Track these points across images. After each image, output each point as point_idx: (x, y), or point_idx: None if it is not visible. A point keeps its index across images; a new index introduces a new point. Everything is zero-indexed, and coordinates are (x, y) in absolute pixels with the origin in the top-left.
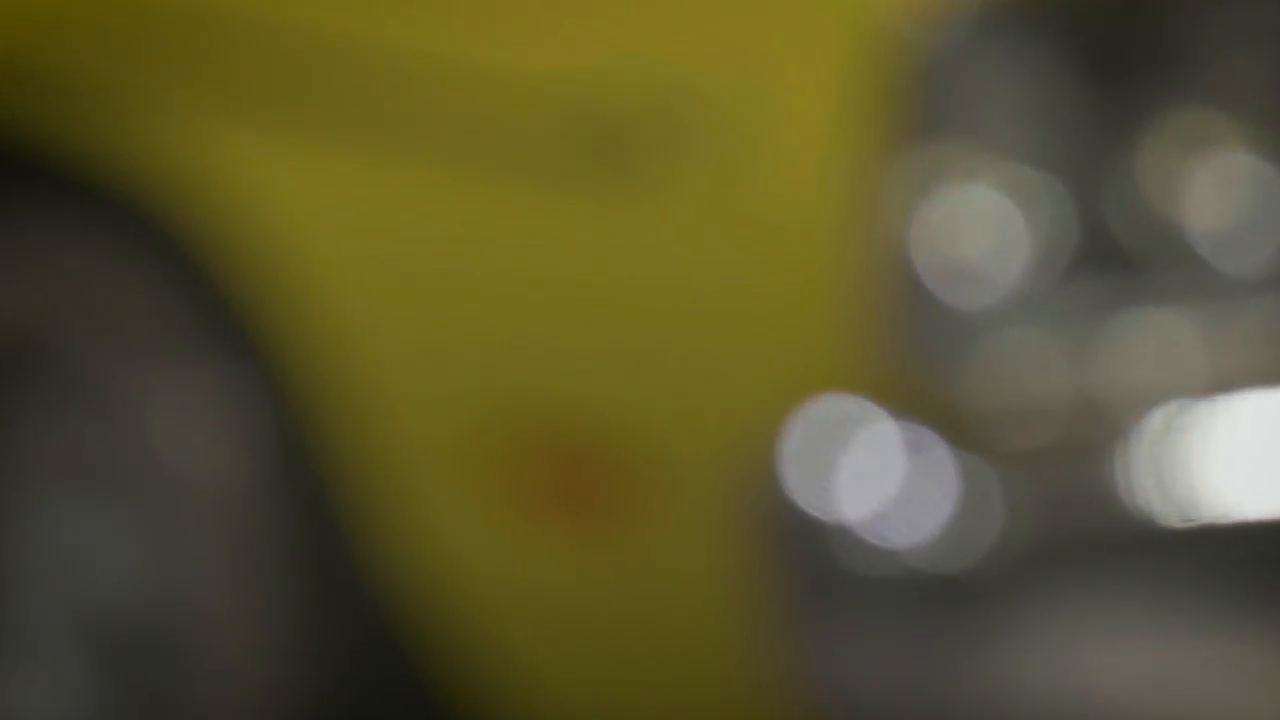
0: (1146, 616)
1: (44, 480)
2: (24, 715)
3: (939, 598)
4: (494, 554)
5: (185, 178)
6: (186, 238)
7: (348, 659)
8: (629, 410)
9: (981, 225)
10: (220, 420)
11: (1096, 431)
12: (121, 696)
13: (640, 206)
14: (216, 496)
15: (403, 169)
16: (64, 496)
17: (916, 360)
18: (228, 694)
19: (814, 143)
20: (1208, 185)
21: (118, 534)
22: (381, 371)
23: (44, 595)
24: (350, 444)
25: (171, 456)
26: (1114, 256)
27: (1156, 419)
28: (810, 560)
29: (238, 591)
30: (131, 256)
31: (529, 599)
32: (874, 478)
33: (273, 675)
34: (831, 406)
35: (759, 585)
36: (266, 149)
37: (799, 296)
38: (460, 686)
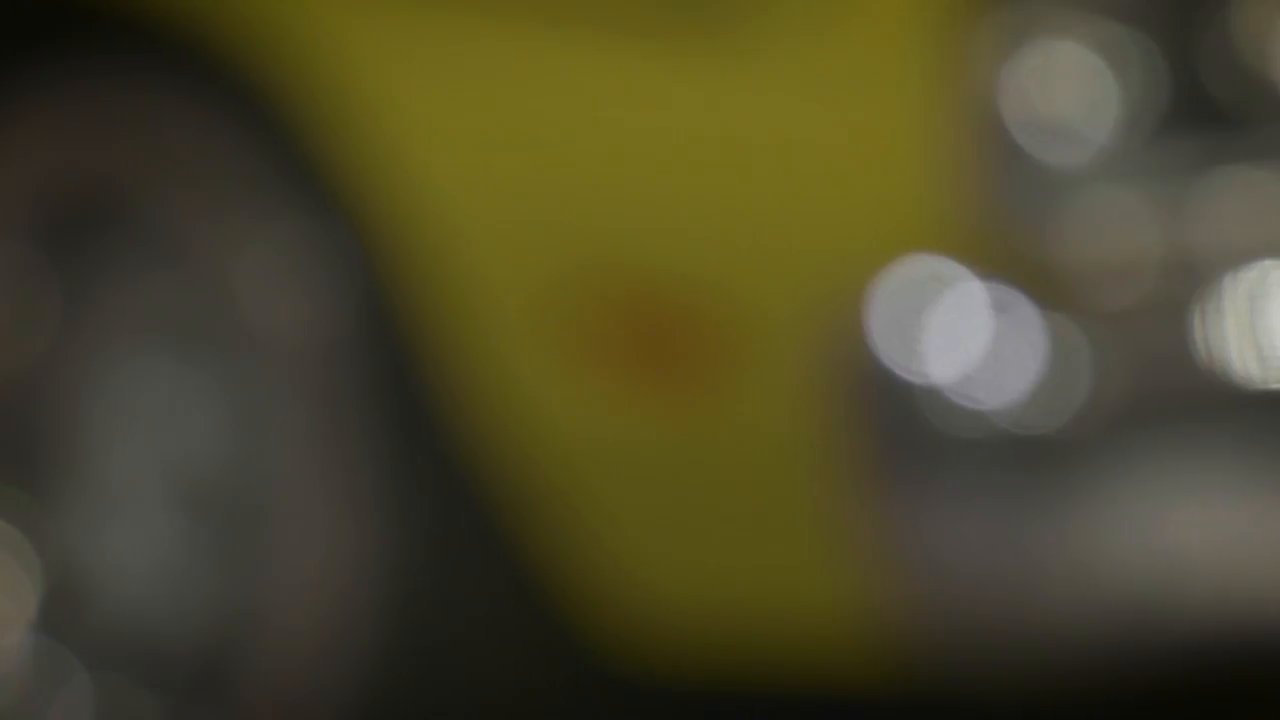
0: (1237, 476)
1: (130, 336)
2: (112, 567)
3: (1027, 459)
4: (577, 411)
5: (269, 31)
6: (270, 92)
7: (429, 519)
8: (713, 269)
9: (1072, 81)
10: (303, 277)
11: (1187, 291)
12: (206, 551)
13: (728, 61)
14: (300, 354)
15: (488, 20)
16: (149, 353)
17: (1005, 219)
18: (310, 550)
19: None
20: None
21: (202, 391)
22: (464, 227)
23: (131, 451)
24: (434, 301)
25: (255, 313)
26: (1206, 114)
27: (1247, 278)
28: (897, 420)
29: (321, 449)
30: (216, 112)
31: (612, 456)
32: (962, 338)
33: (354, 533)
34: (919, 266)
35: (845, 446)
36: (350, 2)
37: (885, 153)
38: (542, 544)
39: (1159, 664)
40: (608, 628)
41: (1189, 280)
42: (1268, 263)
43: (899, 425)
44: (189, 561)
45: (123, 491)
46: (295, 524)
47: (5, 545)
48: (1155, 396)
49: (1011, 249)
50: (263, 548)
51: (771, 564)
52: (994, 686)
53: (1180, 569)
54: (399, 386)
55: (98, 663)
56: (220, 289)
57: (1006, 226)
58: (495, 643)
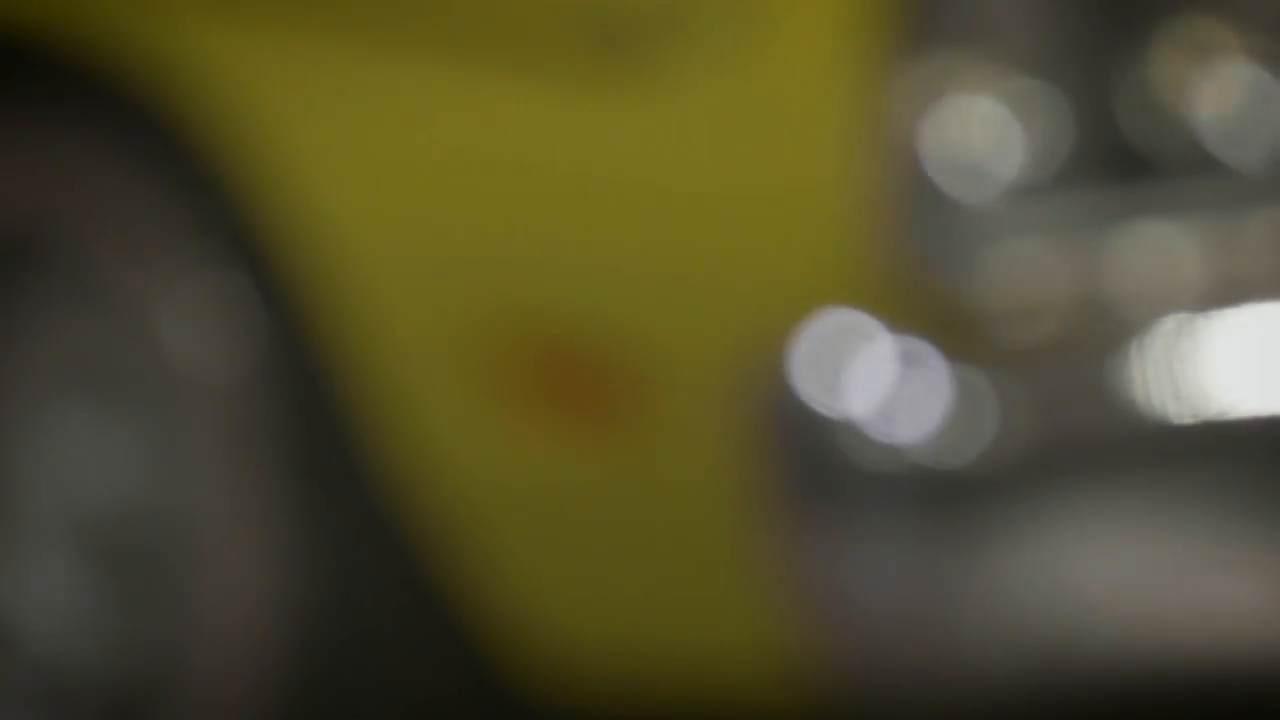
0: (1146, 517)
1: (43, 380)
2: (20, 615)
3: (938, 495)
4: (492, 454)
5: (183, 77)
6: (188, 137)
7: (344, 560)
8: (628, 313)
9: (987, 130)
10: (220, 320)
11: (1097, 333)
12: (117, 598)
13: (643, 104)
14: (218, 396)
15: (401, 62)
16: (62, 397)
17: (920, 266)
18: (223, 597)
19: (820, 45)
20: (1213, 91)
21: (116, 435)
22: (379, 269)
23: (46, 494)
24: (350, 343)
25: (172, 356)
26: (1121, 164)
27: (1158, 324)
28: (810, 457)
29: (235, 492)
30: (136, 157)
31: (526, 500)
32: (874, 384)
33: (268, 576)
34: (833, 317)
35: (759, 486)
36: (265, 44)
37: (803, 198)
38: (457, 586)
39: (1069, 701)
40: (526, 664)
41: (1099, 324)
42: (1178, 310)
43: (811, 462)
44: (99, 608)
45: (38, 535)
46: (209, 569)
47: None
48: (1064, 437)
49: (924, 297)
50: (174, 593)
51: (686, 600)
52: None
53: (1088, 609)
54: (315, 431)
55: (17, 708)
56: (137, 332)
57: (921, 274)
58: (412, 679)
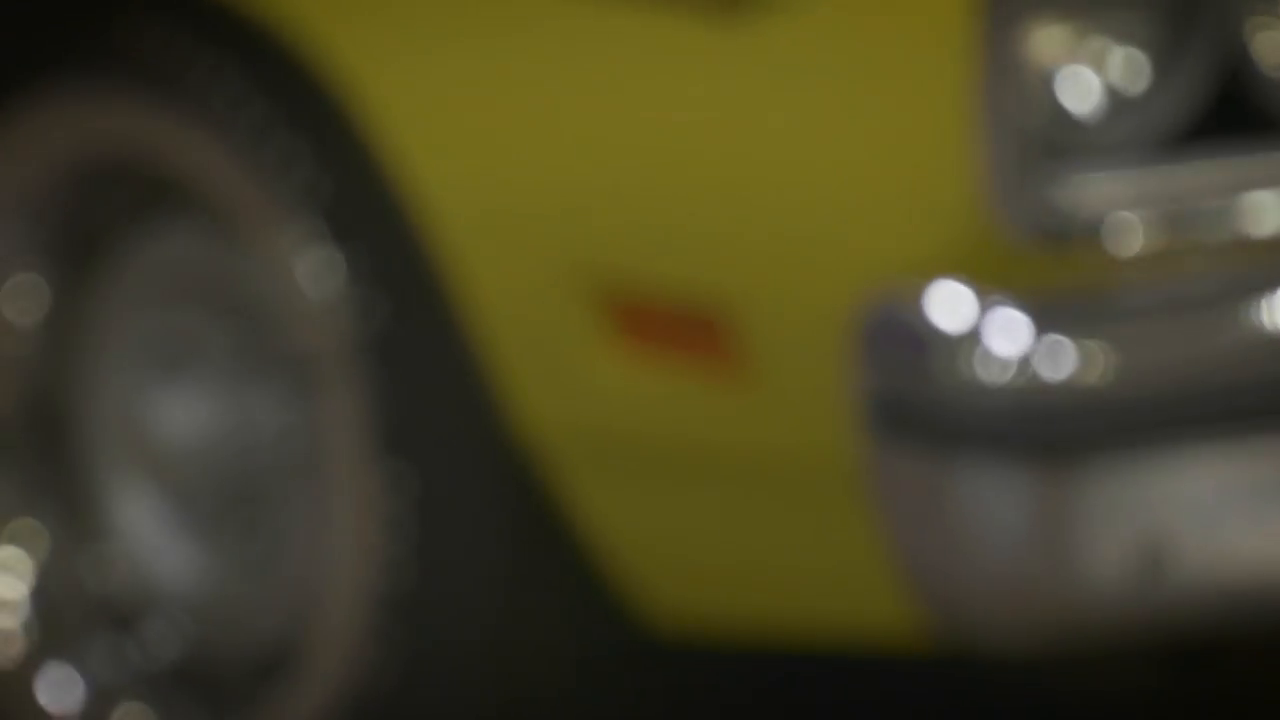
0: (1247, 462)
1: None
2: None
3: (1042, 439)
4: (598, 395)
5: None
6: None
7: (457, 512)
8: (729, 267)
9: (1102, 96)
10: (330, 273)
11: (1208, 294)
12: (244, 555)
13: (752, 50)
14: (324, 350)
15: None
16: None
17: (1029, 229)
18: (344, 555)
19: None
20: None
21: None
22: (479, 214)
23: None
24: (450, 295)
25: (281, 309)
26: (1238, 131)
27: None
28: (915, 408)
29: (351, 441)
30: (262, 105)
31: (632, 441)
32: (976, 345)
33: (382, 537)
34: (939, 277)
35: (864, 435)
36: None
37: (910, 156)
38: (567, 531)
39: (1184, 635)
40: (638, 605)
41: (1208, 285)
42: None
43: (916, 413)
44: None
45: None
46: (337, 515)
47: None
48: (1172, 401)
49: (1034, 260)
50: (304, 548)
51: (798, 544)
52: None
53: (1194, 544)
54: (433, 372)
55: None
56: (269, 275)
57: (1031, 237)
58: (527, 625)
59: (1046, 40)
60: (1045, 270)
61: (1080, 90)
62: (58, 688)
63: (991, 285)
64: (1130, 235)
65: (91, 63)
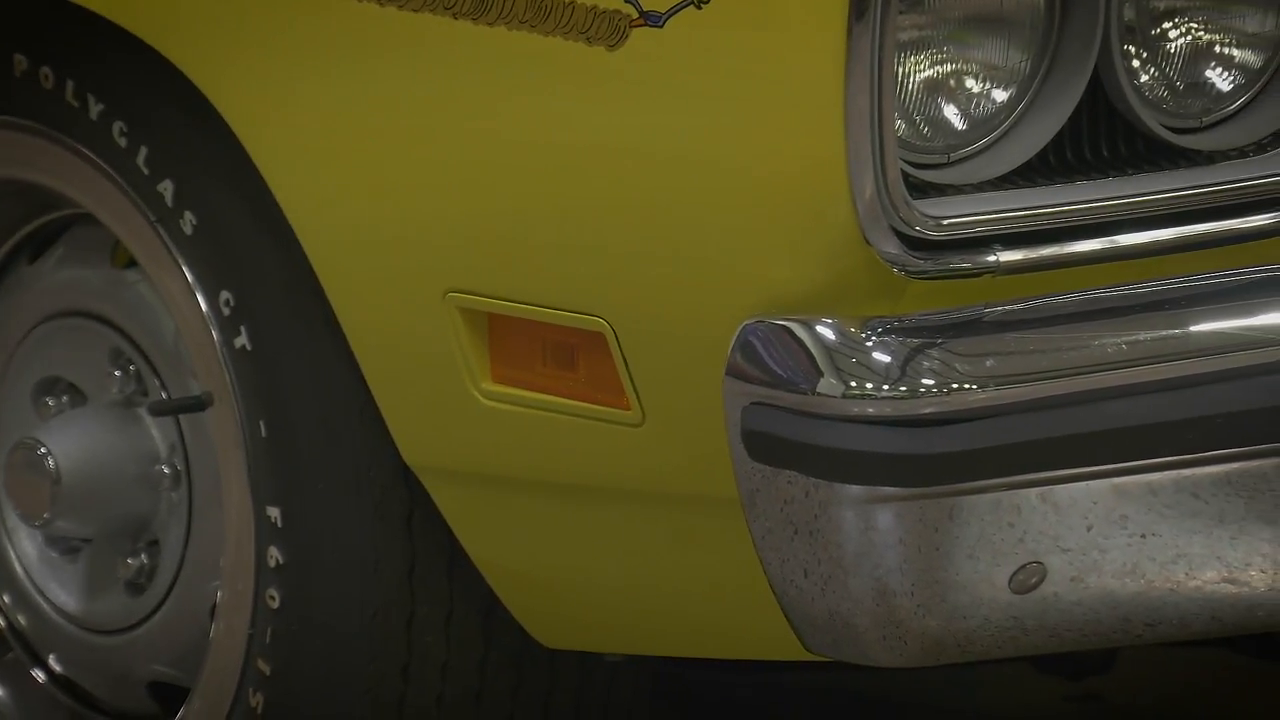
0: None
1: None
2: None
3: (915, 463)
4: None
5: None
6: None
7: (345, 541)
8: (604, 288)
9: (977, 108)
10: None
11: (1076, 301)
12: None
13: (624, 71)
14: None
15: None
16: None
17: (904, 239)
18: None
19: (814, 19)
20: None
21: None
22: (350, 242)
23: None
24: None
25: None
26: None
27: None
28: (790, 425)
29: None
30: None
31: (515, 462)
32: (854, 361)
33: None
34: (811, 293)
35: (743, 456)
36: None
37: (782, 172)
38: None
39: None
40: (541, 621)
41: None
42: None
43: (791, 430)
44: None
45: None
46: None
47: None
48: (1030, 408)
49: (908, 291)
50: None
51: (683, 566)
52: None
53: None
54: (300, 405)
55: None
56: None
57: (906, 250)
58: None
59: (918, 66)
60: (920, 294)
61: (951, 114)
62: None
63: (867, 310)
64: (1004, 258)
65: None
